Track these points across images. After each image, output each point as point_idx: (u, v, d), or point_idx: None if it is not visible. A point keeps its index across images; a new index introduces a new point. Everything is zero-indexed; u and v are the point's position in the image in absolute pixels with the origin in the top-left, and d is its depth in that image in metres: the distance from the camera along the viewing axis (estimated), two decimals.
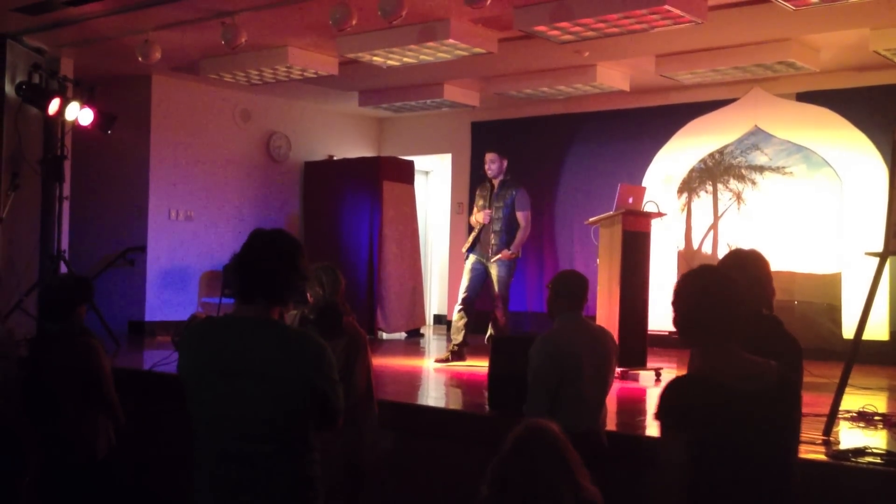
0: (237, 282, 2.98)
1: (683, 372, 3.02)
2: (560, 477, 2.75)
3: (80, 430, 4.72)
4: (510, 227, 8.24)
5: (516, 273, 7.93)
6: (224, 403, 2.87)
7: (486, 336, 8.20)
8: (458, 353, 8.26)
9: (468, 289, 8.38)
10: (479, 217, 8.40)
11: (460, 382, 7.44)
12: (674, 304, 2.91)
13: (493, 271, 8.25)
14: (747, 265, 3.78)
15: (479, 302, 8.52)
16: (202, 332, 3.05)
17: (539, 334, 4.59)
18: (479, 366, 7.92)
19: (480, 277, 8.35)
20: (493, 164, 8.41)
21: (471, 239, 8.45)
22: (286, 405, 2.86)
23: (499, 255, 8.19)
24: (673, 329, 2.92)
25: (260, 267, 2.95)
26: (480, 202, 8.48)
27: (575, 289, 4.59)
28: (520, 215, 8.26)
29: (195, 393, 2.95)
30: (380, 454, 4.91)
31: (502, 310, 8.22)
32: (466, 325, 8.29)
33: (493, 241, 8.23)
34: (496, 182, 8.39)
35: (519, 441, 2.82)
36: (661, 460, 2.86)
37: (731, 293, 2.85)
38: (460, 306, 8.37)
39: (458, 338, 8.30)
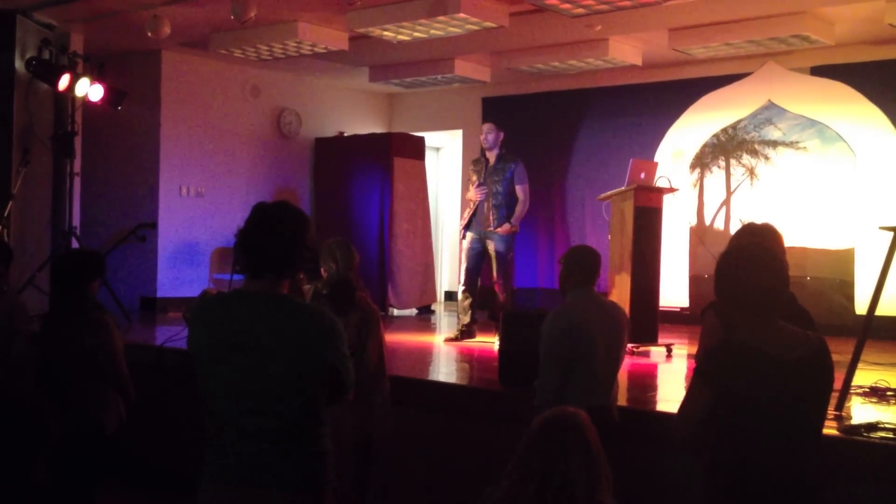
0: (244, 257, 2.96)
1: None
2: (584, 465, 2.72)
3: (91, 406, 4.73)
4: (510, 200, 8.10)
5: (527, 248, 7.86)
6: (235, 378, 2.87)
7: (489, 313, 8.16)
8: (467, 332, 8.24)
9: (469, 268, 8.30)
10: (473, 194, 8.27)
11: (471, 358, 7.44)
12: (717, 278, 2.98)
13: (491, 246, 8.13)
14: (762, 240, 3.75)
15: (485, 279, 8.43)
16: (212, 308, 3.05)
17: (550, 310, 4.57)
18: (489, 342, 7.94)
19: (479, 255, 8.24)
20: (489, 135, 8.18)
21: (467, 215, 8.33)
22: (297, 380, 2.86)
23: (498, 229, 8.08)
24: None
25: (265, 241, 2.93)
26: (475, 177, 8.31)
27: (587, 264, 4.57)
28: (519, 189, 8.13)
29: (206, 368, 2.95)
30: (391, 429, 4.92)
31: (502, 285, 8.11)
32: (472, 305, 8.25)
33: (492, 216, 8.10)
34: (491, 155, 8.22)
35: (546, 426, 2.79)
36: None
37: (774, 267, 2.94)
38: (463, 286, 8.33)
39: (465, 318, 8.27)
